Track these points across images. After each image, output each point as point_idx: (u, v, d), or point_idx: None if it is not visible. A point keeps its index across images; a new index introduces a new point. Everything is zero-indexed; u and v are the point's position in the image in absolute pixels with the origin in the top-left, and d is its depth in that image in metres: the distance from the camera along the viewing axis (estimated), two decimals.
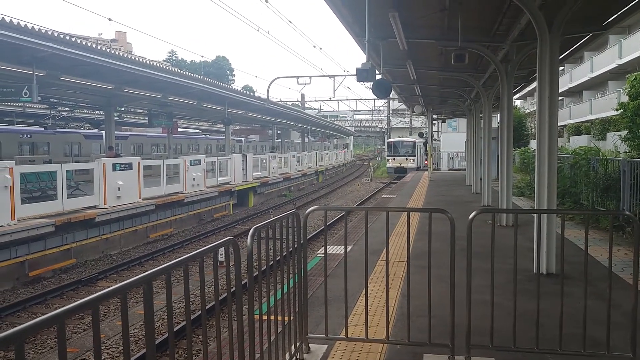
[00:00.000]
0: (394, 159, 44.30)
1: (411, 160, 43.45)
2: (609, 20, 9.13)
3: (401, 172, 41.24)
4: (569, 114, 40.69)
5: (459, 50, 9.67)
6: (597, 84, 37.62)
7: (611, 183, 11.03)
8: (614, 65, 32.11)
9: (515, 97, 23.23)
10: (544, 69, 7.03)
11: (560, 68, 27.50)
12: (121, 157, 19.20)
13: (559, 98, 8.00)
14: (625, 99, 17.27)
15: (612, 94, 32.06)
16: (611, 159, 11.88)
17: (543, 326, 4.14)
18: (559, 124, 7.89)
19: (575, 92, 42.65)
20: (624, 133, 16.55)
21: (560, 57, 10.48)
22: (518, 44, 10.18)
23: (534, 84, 15.54)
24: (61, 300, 10.79)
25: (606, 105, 31.30)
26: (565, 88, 40.17)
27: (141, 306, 9.71)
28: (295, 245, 4.18)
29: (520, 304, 4.19)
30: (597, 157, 12.37)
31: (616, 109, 18.93)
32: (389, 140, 49.62)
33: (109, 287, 1.97)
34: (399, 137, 53.20)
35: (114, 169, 15.34)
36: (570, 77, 40.91)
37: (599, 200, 11.65)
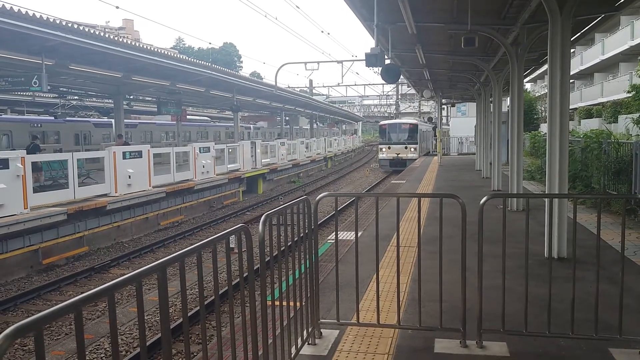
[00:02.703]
0: (389, 148, 34.59)
1: (412, 149, 34.18)
2: (622, 0, 8.98)
3: (398, 164, 32.94)
4: (580, 97, 40.25)
5: (468, 33, 9.57)
6: (608, 66, 37.15)
7: (623, 166, 10.93)
8: (626, 47, 31.67)
9: (525, 80, 22.99)
10: (555, 51, 6.95)
11: (571, 50, 27.20)
12: (130, 145, 19.27)
13: (570, 81, 7.91)
14: (637, 80, 17.11)
15: (624, 76, 31.66)
16: (623, 142, 11.76)
17: (555, 310, 4.14)
18: (570, 107, 7.80)
19: (587, 75, 42.14)
20: (636, 115, 16.39)
21: (572, 39, 10.34)
22: (528, 26, 10.05)
23: (545, 67, 15.40)
24: (75, 288, 10.92)
25: (618, 87, 30.95)
26: (576, 70, 39.71)
27: (153, 293, 9.81)
28: (306, 232, 4.19)
29: (531, 289, 4.19)
30: (609, 140, 12.25)
31: (628, 91, 18.78)
32: (382, 122, 38.50)
33: (122, 274, 2.00)
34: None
35: (124, 157, 15.41)
36: (581, 59, 40.41)
37: (611, 184, 11.56)
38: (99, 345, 7.93)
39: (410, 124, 36.16)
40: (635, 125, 15.70)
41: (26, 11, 11.60)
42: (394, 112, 66.45)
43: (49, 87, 16.46)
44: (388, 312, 5.02)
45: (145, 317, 8.79)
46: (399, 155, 33.87)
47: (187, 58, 21.01)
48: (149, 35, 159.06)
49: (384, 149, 35.00)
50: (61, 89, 22.87)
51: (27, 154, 12.63)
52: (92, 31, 14.11)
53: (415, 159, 32.07)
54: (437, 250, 4.25)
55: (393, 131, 35.35)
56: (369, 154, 63.17)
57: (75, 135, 26.15)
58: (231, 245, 3.18)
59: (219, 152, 22.38)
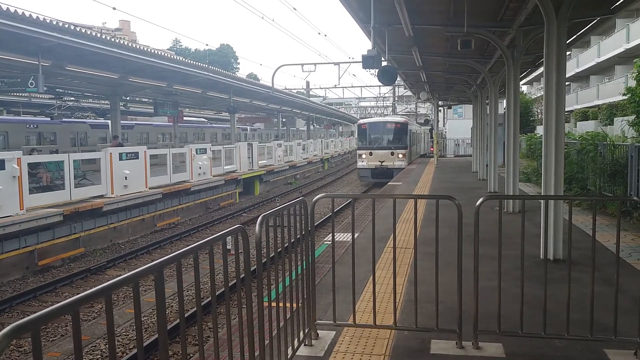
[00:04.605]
0: (370, 154, 27.28)
1: (399, 156, 27.05)
2: (617, 3, 9.03)
3: (382, 175, 26.35)
4: (576, 99, 40.40)
5: (465, 36, 9.61)
6: (604, 69, 37.31)
7: (618, 168, 10.98)
8: (621, 50, 31.81)
9: (521, 82, 23.04)
10: (551, 54, 6.98)
11: (567, 53, 27.31)
12: (123, 146, 19.22)
13: (566, 83, 7.95)
14: (632, 83, 17.15)
15: (620, 79, 31.81)
16: (618, 144, 11.82)
17: (550, 312, 4.16)
18: (566, 109, 7.88)
19: (582, 77, 42.30)
20: (631, 118, 16.45)
21: (567, 42, 10.38)
22: (524, 29, 10.10)
23: (541, 69, 15.44)
24: (71, 289, 10.90)
25: (613, 90, 31.07)
26: (572, 73, 39.85)
27: (149, 294, 9.81)
28: (303, 233, 4.20)
29: (527, 290, 4.20)
30: (605, 142, 12.30)
31: (623, 94, 18.82)
32: (362, 121, 30.69)
33: (118, 275, 2.01)
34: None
35: (121, 159, 15.39)
36: (577, 61, 40.57)
37: (606, 186, 11.61)
38: (95, 346, 7.92)
39: (397, 123, 28.94)
40: (631, 128, 15.77)
41: (22, 12, 11.58)
42: (391, 114, 66.42)
43: (45, 88, 16.42)
44: (384, 313, 5.03)
45: (142, 318, 8.78)
46: (382, 164, 26.96)
47: (184, 59, 20.99)
48: (145, 37, 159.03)
49: (363, 155, 27.51)
50: (57, 90, 22.82)
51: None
52: (88, 32, 14.09)
53: (404, 168, 26.06)
54: (433, 252, 4.26)
55: (375, 132, 28.23)
56: None
57: (71, 137, 26.10)
58: (228, 247, 3.19)
59: (216, 154, 22.36)
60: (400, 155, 27.00)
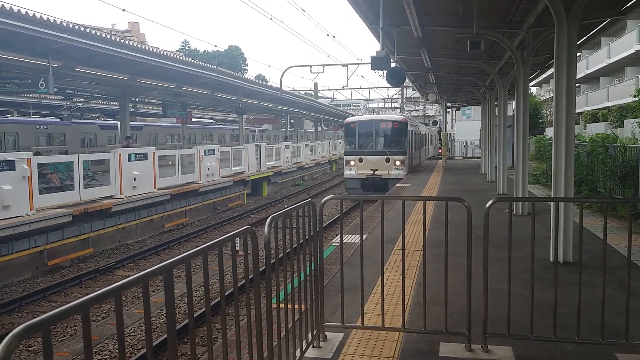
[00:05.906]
0: (360, 161, 22.33)
1: (397, 163, 22.04)
2: (628, 4, 8.96)
3: (375, 187, 21.65)
4: (586, 101, 40.12)
5: (474, 37, 9.57)
6: (614, 70, 37.04)
7: (629, 171, 10.89)
8: (632, 51, 31.57)
9: (531, 84, 22.91)
10: (561, 55, 6.93)
11: (577, 54, 27.13)
12: (130, 147, 19.27)
13: (576, 85, 7.91)
14: None
15: (630, 80, 31.58)
16: (629, 146, 11.72)
17: (560, 315, 4.13)
18: (576, 111, 7.83)
19: (592, 79, 42.01)
20: None
21: (578, 43, 10.32)
22: (534, 30, 10.04)
23: (551, 71, 15.37)
24: (80, 289, 10.95)
25: (624, 91, 30.84)
26: (582, 74, 39.58)
27: (157, 295, 9.84)
28: (311, 234, 4.19)
29: (537, 293, 4.17)
30: (615, 144, 12.21)
31: (634, 96, 18.71)
32: (350, 119, 24.84)
33: (127, 276, 2.01)
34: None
35: (130, 159, 15.47)
36: (587, 63, 40.30)
37: (617, 188, 11.52)
38: (103, 346, 7.95)
39: (394, 121, 23.34)
40: None
41: (33, 13, 11.67)
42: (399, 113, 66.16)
43: (55, 89, 16.52)
44: (393, 316, 5.01)
45: (151, 319, 8.81)
46: (375, 173, 21.96)
47: (192, 61, 21.06)
48: (154, 38, 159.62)
49: (352, 162, 22.61)
50: (67, 91, 22.96)
51: None
52: (98, 34, 14.17)
53: (401, 178, 21.17)
54: (442, 254, 4.24)
55: (366, 132, 22.98)
56: None
57: (80, 138, 26.27)
58: (236, 248, 3.19)
59: (224, 155, 22.42)
60: (398, 163, 22.13)
